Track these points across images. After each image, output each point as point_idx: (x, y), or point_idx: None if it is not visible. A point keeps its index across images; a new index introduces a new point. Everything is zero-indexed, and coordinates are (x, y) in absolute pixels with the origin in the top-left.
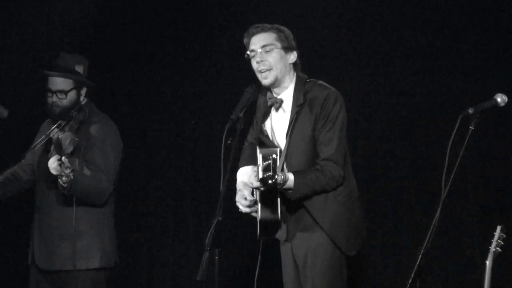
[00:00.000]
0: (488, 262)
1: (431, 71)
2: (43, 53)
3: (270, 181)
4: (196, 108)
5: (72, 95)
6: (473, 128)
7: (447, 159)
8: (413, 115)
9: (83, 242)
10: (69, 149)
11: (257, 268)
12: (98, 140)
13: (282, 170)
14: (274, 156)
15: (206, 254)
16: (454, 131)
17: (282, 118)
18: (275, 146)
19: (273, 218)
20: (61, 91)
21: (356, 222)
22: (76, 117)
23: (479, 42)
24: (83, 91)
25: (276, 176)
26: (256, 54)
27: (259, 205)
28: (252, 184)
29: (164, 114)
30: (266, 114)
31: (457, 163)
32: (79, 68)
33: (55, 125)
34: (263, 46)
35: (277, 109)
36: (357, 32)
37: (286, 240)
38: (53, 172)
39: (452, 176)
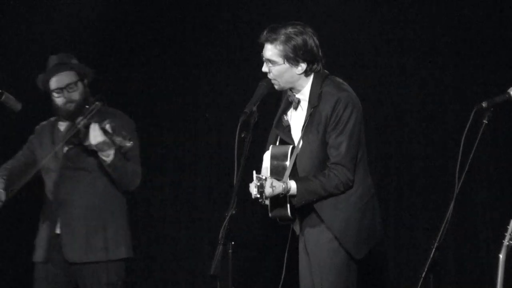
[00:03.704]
0: (501, 256)
1: (446, 64)
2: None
3: (260, 201)
4: (209, 101)
5: (80, 86)
6: (486, 122)
7: (460, 153)
8: (426, 109)
9: (111, 232)
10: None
11: (286, 253)
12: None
13: (294, 167)
14: (264, 176)
15: (220, 248)
16: (468, 125)
17: (300, 116)
18: (290, 143)
19: (284, 215)
20: (70, 85)
21: (369, 223)
22: (97, 106)
23: (494, 35)
24: (86, 81)
25: (261, 201)
26: (264, 61)
27: (268, 202)
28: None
29: (178, 108)
30: (287, 107)
31: (471, 157)
32: (74, 61)
33: (79, 116)
34: (267, 60)
35: (295, 108)
36: (371, 23)
37: (300, 233)
38: (99, 145)
39: (465, 169)
